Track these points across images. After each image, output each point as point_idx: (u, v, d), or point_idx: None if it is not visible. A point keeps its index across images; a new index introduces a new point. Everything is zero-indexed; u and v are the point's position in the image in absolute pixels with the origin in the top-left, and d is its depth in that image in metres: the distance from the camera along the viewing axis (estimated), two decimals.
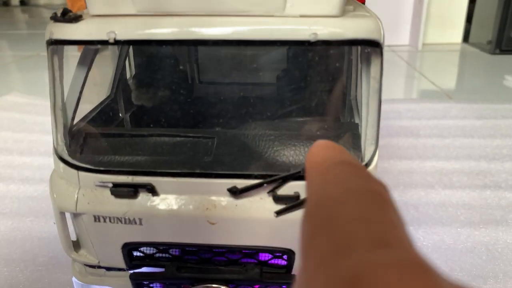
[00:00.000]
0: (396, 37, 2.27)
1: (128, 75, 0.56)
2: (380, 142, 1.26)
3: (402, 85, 1.76)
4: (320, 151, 0.17)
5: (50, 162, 1.02)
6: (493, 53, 2.01)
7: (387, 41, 2.39)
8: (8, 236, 0.73)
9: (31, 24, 3.28)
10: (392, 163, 0.97)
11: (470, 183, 0.88)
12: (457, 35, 2.26)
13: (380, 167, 0.96)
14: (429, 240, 0.71)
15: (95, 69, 0.42)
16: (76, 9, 0.54)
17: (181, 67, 0.56)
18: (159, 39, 0.35)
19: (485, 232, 0.72)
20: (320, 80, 0.46)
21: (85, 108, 0.49)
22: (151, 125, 0.48)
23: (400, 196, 0.84)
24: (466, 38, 2.25)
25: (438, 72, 1.86)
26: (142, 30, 0.34)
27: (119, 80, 0.52)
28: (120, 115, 0.54)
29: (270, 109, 0.46)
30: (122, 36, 0.35)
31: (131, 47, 0.55)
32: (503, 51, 1.99)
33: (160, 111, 0.48)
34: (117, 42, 0.35)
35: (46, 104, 1.43)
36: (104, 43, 0.35)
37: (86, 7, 0.37)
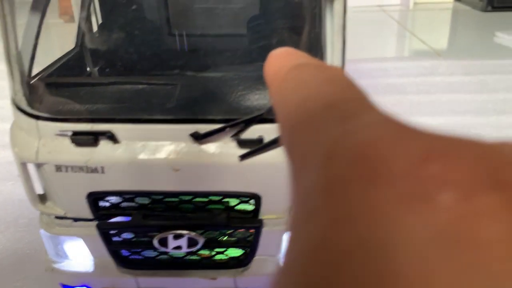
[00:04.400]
0: None
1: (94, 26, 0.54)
2: None
3: (393, 46, 1.73)
4: (276, 60, 0.17)
5: None
6: (485, 10, 1.97)
7: (378, 0, 2.33)
8: None
9: None
10: None
11: None
12: None
13: None
14: None
15: None
16: None
17: (146, 16, 0.54)
18: None
19: None
20: (288, 24, 0.45)
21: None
22: (117, 75, 0.47)
23: None
24: None
25: (429, 31, 1.83)
26: None
27: (84, 32, 0.50)
28: (88, 69, 0.52)
29: (234, 54, 0.45)
30: None
31: None
32: (495, 8, 1.95)
33: (126, 60, 0.47)
34: None
35: None
36: None
37: None
